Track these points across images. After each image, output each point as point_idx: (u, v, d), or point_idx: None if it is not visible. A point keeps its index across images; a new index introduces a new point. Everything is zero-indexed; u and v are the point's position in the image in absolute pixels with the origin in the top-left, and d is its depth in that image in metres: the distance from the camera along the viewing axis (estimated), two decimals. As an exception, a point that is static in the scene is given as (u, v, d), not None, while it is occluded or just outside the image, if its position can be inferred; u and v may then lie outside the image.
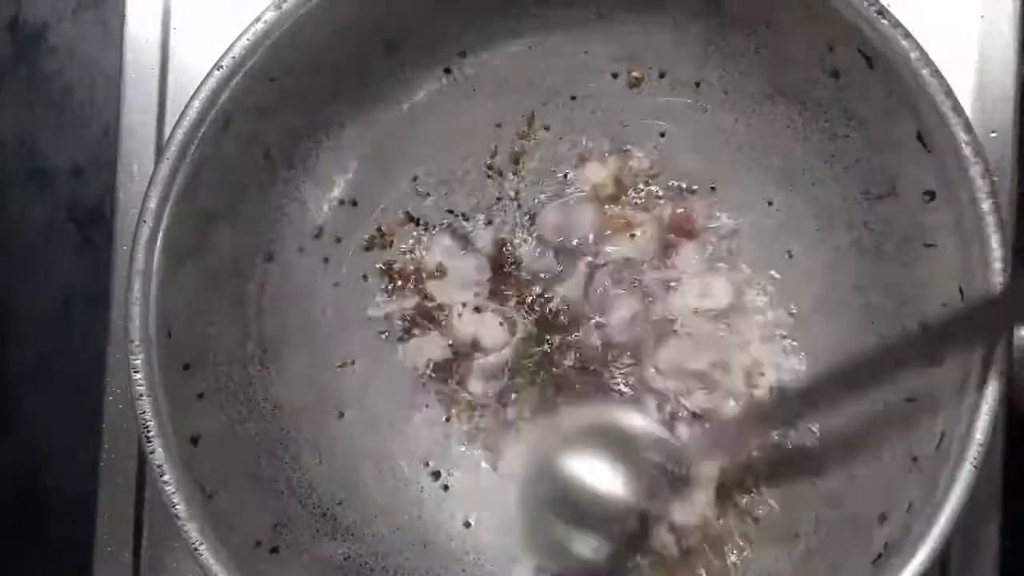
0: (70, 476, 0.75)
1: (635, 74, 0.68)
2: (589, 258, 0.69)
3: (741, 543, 0.65)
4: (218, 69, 0.58)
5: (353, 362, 0.69)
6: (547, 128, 0.69)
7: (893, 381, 0.59)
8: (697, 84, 0.67)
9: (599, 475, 0.66)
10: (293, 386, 0.67)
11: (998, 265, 0.54)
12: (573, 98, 0.69)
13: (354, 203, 0.69)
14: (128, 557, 0.69)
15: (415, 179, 0.69)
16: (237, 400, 0.64)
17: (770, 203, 0.68)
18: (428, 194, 0.69)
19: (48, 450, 0.76)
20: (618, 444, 0.67)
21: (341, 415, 0.68)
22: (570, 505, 0.66)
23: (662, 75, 0.68)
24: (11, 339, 0.76)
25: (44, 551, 0.76)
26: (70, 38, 0.77)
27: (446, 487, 0.68)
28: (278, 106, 0.62)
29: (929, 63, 0.55)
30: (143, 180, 0.57)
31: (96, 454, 0.69)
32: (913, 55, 0.55)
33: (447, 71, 0.68)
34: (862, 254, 0.64)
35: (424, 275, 0.69)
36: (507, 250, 0.69)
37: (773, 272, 0.68)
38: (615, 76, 0.68)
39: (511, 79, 0.68)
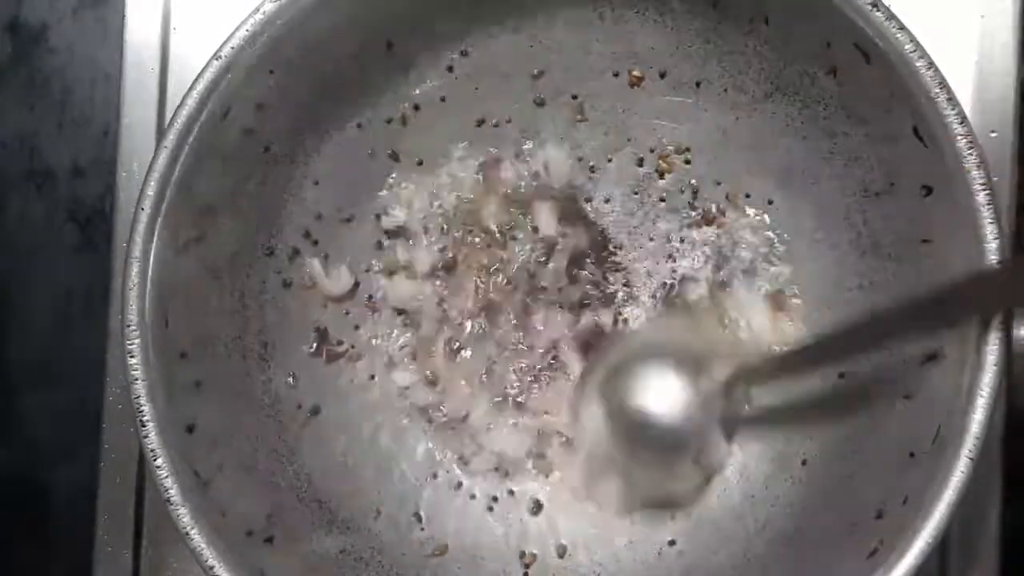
0: (70, 476, 0.75)
1: (636, 73, 0.68)
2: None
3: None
4: (217, 59, 0.58)
5: (355, 358, 0.69)
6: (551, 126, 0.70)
7: (887, 347, 0.60)
8: (697, 84, 0.67)
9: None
10: (293, 380, 0.67)
11: (993, 257, 0.54)
12: (574, 97, 0.69)
13: (355, 199, 0.69)
14: (128, 557, 0.69)
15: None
16: (235, 391, 0.64)
17: (770, 202, 0.68)
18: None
19: (48, 450, 0.76)
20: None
21: (340, 410, 0.68)
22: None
23: (663, 75, 0.68)
24: (11, 339, 0.76)
25: (44, 551, 0.76)
26: (70, 38, 0.77)
27: (445, 484, 0.68)
28: (278, 99, 0.62)
29: (924, 55, 0.55)
30: (143, 179, 0.58)
31: (96, 454, 0.69)
32: (908, 47, 0.55)
33: (449, 69, 0.68)
34: (862, 252, 0.64)
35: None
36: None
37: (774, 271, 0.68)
38: (616, 75, 0.68)
39: (512, 77, 0.69)
